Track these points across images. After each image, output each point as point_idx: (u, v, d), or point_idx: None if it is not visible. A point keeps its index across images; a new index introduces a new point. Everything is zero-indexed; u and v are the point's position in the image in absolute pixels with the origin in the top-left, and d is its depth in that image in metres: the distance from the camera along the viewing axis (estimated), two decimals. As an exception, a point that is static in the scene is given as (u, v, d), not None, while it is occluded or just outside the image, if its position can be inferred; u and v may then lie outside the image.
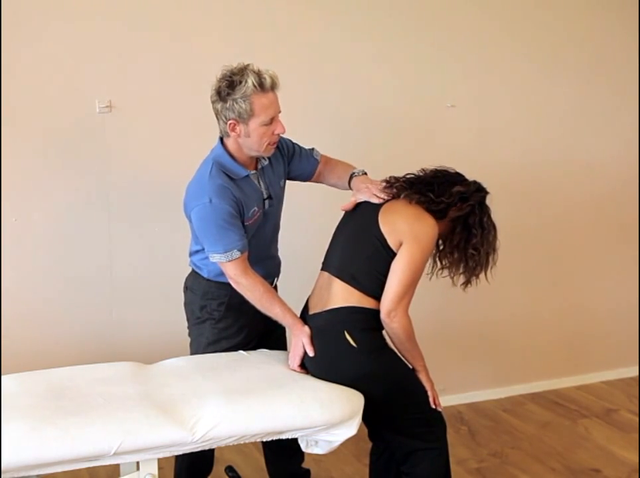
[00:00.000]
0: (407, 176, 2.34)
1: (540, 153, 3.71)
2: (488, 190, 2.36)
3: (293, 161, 2.54)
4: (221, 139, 2.38)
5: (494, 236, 2.33)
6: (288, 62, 3.13)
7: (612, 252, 3.97)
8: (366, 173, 2.50)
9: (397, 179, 2.32)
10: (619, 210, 3.94)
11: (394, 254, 2.19)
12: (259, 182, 2.40)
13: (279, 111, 2.30)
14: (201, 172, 2.36)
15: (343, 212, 2.41)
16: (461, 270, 2.32)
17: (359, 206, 2.36)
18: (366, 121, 3.29)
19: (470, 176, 2.36)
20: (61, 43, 2.88)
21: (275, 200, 2.46)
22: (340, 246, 2.34)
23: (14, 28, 2.81)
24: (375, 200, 2.30)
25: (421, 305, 3.21)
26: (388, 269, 2.20)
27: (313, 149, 2.59)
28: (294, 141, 2.55)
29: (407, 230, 2.19)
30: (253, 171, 2.39)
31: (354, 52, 3.30)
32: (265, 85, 2.22)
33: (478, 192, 2.31)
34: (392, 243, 2.19)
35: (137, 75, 2.99)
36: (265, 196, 2.42)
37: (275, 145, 2.35)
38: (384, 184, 2.33)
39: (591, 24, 3.72)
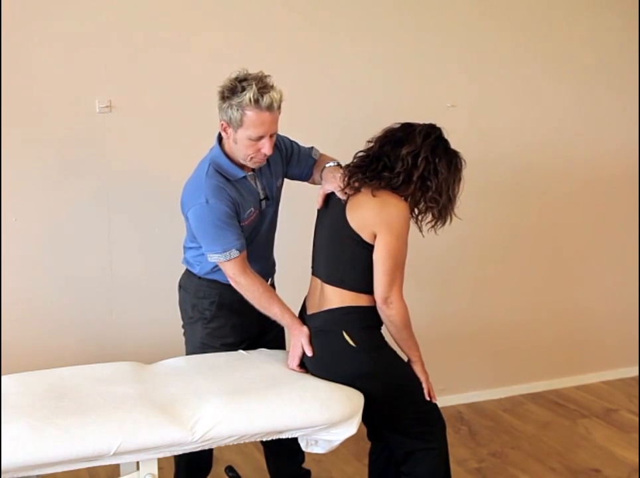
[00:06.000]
0: (358, 155, 2.29)
1: (540, 152, 3.71)
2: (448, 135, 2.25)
3: (291, 161, 2.53)
4: (219, 140, 2.38)
5: (455, 169, 2.24)
6: (288, 62, 3.13)
7: (612, 252, 3.97)
8: (340, 165, 2.44)
9: (351, 171, 2.26)
10: (619, 210, 3.95)
11: (373, 246, 2.19)
12: (255, 183, 2.40)
13: (273, 132, 2.27)
14: (198, 172, 2.36)
15: None
16: (429, 218, 2.27)
17: (330, 200, 2.33)
18: (366, 121, 3.26)
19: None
20: (61, 43, 2.88)
21: (272, 200, 2.46)
22: (322, 251, 2.33)
23: (15, 28, 2.81)
24: (340, 194, 2.26)
25: (421, 305, 3.22)
26: (372, 261, 2.20)
27: (312, 147, 2.58)
28: (292, 139, 2.55)
29: (376, 221, 2.18)
30: (250, 172, 2.38)
31: (354, 52, 3.30)
32: (261, 104, 2.19)
33: (426, 139, 2.20)
34: (366, 237, 2.18)
35: (137, 75, 2.99)
36: (262, 196, 2.41)
37: (261, 162, 2.33)
38: (345, 179, 2.26)
39: (591, 24, 3.72)
